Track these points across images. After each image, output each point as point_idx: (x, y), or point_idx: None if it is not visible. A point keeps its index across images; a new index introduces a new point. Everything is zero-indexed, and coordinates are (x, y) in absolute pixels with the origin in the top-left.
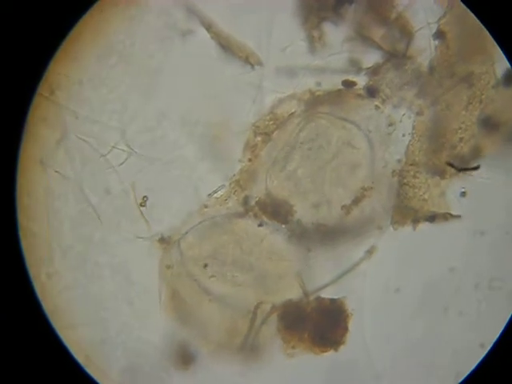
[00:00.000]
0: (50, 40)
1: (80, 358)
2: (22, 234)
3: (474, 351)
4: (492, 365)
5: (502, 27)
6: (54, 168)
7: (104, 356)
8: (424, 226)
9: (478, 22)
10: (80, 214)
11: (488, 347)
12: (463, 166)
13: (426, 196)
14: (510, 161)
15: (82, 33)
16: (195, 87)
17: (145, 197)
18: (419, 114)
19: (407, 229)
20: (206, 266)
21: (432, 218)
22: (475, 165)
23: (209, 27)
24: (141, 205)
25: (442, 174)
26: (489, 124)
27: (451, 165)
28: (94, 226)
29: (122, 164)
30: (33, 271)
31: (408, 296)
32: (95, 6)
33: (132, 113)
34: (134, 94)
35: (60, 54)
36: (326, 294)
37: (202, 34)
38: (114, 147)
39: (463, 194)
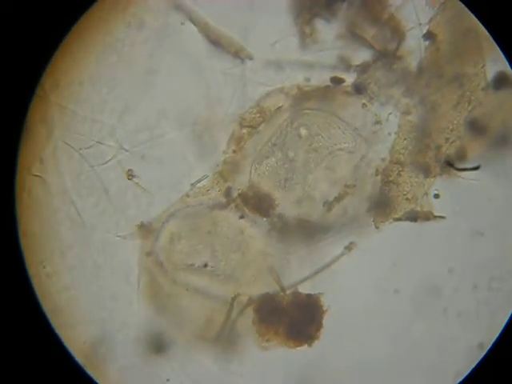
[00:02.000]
0: (49, 40)
1: (79, 357)
2: (21, 233)
3: (473, 351)
4: (491, 365)
5: (501, 27)
6: (51, 167)
7: (103, 355)
8: (421, 227)
9: (471, 23)
10: (79, 213)
11: (487, 347)
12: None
13: (409, 195)
14: (498, 164)
15: (82, 32)
16: (189, 84)
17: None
18: (406, 113)
19: (403, 228)
20: (185, 255)
21: (414, 217)
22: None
23: (198, 23)
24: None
25: (426, 174)
26: (475, 127)
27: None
28: (93, 226)
29: (112, 159)
30: (32, 271)
31: (407, 297)
32: (95, 6)
33: (130, 112)
34: (132, 94)
35: (60, 54)
36: (304, 289)
37: (194, 31)
38: (107, 145)
39: (436, 196)
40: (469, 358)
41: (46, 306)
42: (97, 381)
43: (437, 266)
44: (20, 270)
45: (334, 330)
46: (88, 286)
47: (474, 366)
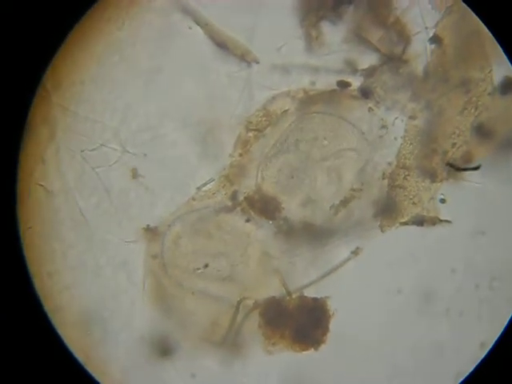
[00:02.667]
0: (50, 40)
1: (80, 357)
2: (22, 233)
3: (475, 351)
4: (492, 365)
5: (507, 31)
6: (52, 168)
7: (104, 355)
8: (422, 229)
9: (477, 27)
10: (81, 213)
11: (488, 347)
12: (463, 166)
13: (415, 200)
14: (503, 168)
15: (83, 32)
16: (193, 85)
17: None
18: (412, 117)
19: (405, 231)
20: (191, 259)
21: (420, 221)
22: (476, 165)
23: (204, 26)
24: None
25: (433, 178)
26: (482, 131)
27: (451, 165)
28: (95, 226)
29: (116, 162)
30: (33, 270)
31: (409, 296)
32: (96, 5)
33: (132, 112)
34: (134, 94)
35: (61, 54)
36: (310, 293)
37: (199, 33)
38: (110, 146)
39: (443, 200)
40: (470, 358)
41: (48, 305)
42: (98, 381)
43: (440, 266)
44: (21, 270)
45: (340, 334)
46: (89, 286)
47: (475, 365)
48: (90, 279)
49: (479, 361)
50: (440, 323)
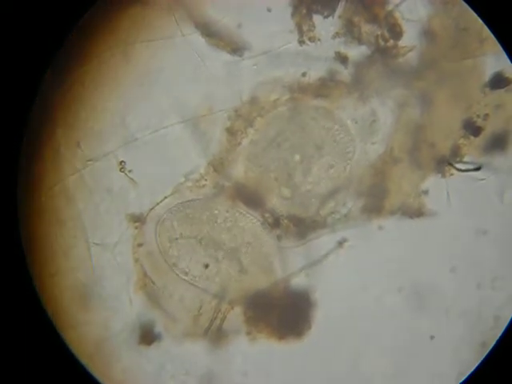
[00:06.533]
0: (51, 40)
1: (82, 357)
2: (23, 233)
3: (476, 351)
4: (493, 365)
5: (502, 24)
6: (52, 167)
7: (106, 356)
8: (423, 225)
9: (472, 19)
10: (82, 213)
11: (489, 347)
12: (464, 167)
13: (404, 190)
14: (500, 162)
15: (84, 32)
16: (191, 82)
17: (122, 162)
18: (403, 108)
19: (406, 226)
20: (176, 246)
21: (408, 212)
22: (476, 166)
23: (197, 17)
24: (120, 170)
25: (421, 169)
26: (471, 126)
27: (451, 165)
28: (96, 225)
29: (116, 162)
30: (35, 271)
31: (409, 295)
32: (97, 5)
33: (132, 111)
34: (134, 94)
35: (62, 54)
36: (296, 284)
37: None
38: (112, 146)
39: (426, 192)
40: (471, 357)
41: (49, 306)
42: (101, 381)
43: (440, 265)
44: (23, 271)
45: (328, 326)
46: (91, 287)
47: (476, 365)
48: (92, 280)
49: (480, 361)
50: (440, 322)
